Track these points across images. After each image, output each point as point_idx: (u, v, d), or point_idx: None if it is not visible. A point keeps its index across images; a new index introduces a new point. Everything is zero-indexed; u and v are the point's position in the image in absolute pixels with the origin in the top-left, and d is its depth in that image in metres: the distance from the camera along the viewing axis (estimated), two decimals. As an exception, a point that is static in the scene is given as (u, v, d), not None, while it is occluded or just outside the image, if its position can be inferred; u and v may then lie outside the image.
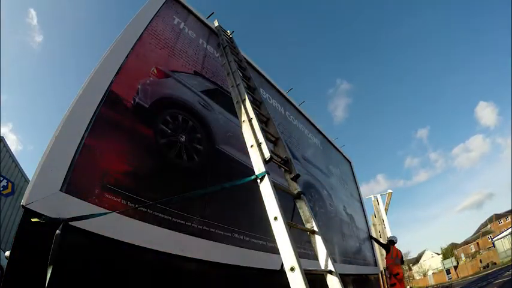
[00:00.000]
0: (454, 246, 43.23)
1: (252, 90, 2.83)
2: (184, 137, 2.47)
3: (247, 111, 2.16)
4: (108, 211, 1.61)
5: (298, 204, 1.88)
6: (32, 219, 1.34)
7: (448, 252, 40.68)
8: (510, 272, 14.79)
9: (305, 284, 1.15)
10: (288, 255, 1.27)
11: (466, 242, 41.63)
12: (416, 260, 48.48)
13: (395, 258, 5.19)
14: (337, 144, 6.86)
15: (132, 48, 2.34)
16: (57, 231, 1.33)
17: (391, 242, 5.52)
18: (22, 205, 1.35)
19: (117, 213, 1.65)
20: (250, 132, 1.97)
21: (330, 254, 1.56)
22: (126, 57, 2.25)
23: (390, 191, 10.73)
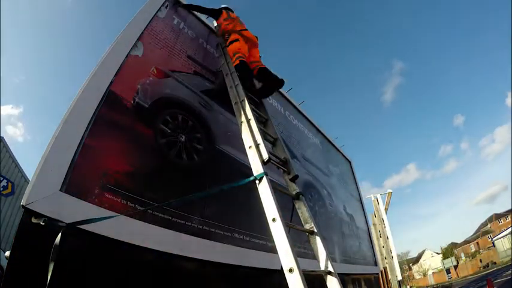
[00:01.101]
0: (454, 245, 43.25)
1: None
2: (184, 136, 2.47)
3: (246, 112, 2.17)
4: (113, 214, 1.61)
5: (296, 205, 1.89)
6: (33, 221, 1.35)
7: (448, 251, 40.71)
8: (510, 272, 14.80)
9: (304, 285, 1.15)
10: (286, 257, 1.28)
11: (466, 242, 41.64)
12: (416, 260, 48.53)
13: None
14: (337, 143, 6.86)
15: (131, 48, 2.34)
16: (57, 240, 1.33)
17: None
18: (22, 205, 1.35)
19: (124, 215, 1.66)
20: (249, 133, 1.98)
21: (329, 254, 1.56)
22: (126, 57, 2.25)
23: (390, 190, 10.71)
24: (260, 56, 3.30)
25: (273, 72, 3.06)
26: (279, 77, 2.98)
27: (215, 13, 3.37)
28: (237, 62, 2.73)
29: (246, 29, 3.19)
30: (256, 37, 3.25)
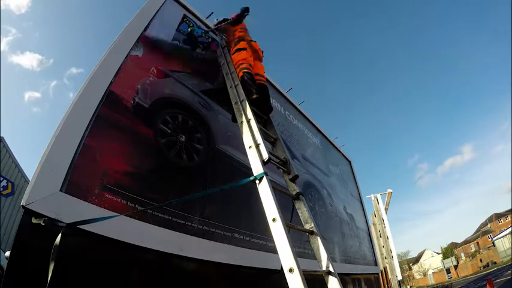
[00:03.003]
0: (454, 245, 43.26)
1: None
2: (184, 136, 2.47)
3: (246, 112, 2.17)
4: (113, 214, 1.61)
5: (296, 205, 1.89)
6: (33, 221, 1.35)
7: (448, 251, 40.72)
8: (510, 272, 14.79)
9: (304, 285, 1.15)
10: (286, 257, 1.28)
11: (466, 241, 41.66)
12: (416, 260, 48.54)
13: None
14: (336, 143, 6.86)
15: (131, 49, 2.34)
16: (57, 240, 1.33)
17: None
18: (22, 205, 1.36)
19: (125, 215, 1.66)
20: (249, 133, 1.98)
21: (329, 254, 1.56)
22: (126, 57, 2.25)
23: (390, 190, 10.71)
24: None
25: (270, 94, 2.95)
26: (272, 104, 2.92)
27: (238, 21, 3.33)
28: (241, 73, 2.66)
29: (254, 40, 3.15)
30: (262, 51, 3.20)
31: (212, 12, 3.76)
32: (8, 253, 1.71)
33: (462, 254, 38.16)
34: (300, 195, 1.93)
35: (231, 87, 2.55)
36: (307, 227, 1.77)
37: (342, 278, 4.15)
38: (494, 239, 31.07)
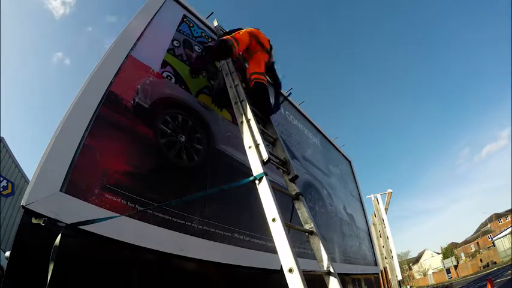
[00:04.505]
0: (454, 245, 43.29)
1: (251, 91, 2.81)
2: (184, 137, 2.48)
3: (246, 112, 2.17)
4: (114, 214, 1.61)
5: (296, 205, 1.89)
6: (33, 221, 1.35)
7: (448, 251, 40.75)
8: (511, 272, 14.80)
9: (304, 285, 1.15)
10: (286, 257, 1.28)
11: (466, 242, 41.69)
12: (416, 260, 48.57)
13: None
14: (336, 143, 6.86)
15: (131, 49, 2.34)
16: (57, 240, 1.33)
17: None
18: (22, 205, 1.36)
19: (126, 216, 1.66)
20: (249, 133, 1.98)
21: (329, 254, 1.56)
22: (126, 57, 2.25)
23: (390, 190, 10.72)
24: (274, 62, 3.19)
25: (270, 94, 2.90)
26: (272, 105, 2.87)
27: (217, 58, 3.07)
28: (251, 84, 2.72)
29: (236, 31, 3.05)
30: (268, 41, 3.10)
31: (212, 12, 3.76)
32: (8, 253, 1.71)
33: (462, 254, 38.20)
34: (300, 196, 1.93)
35: (230, 87, 2.55)
36: (307, 227, 1.77)
37: (342, 278, 4.15)
38: (494, 239, 31.10)
